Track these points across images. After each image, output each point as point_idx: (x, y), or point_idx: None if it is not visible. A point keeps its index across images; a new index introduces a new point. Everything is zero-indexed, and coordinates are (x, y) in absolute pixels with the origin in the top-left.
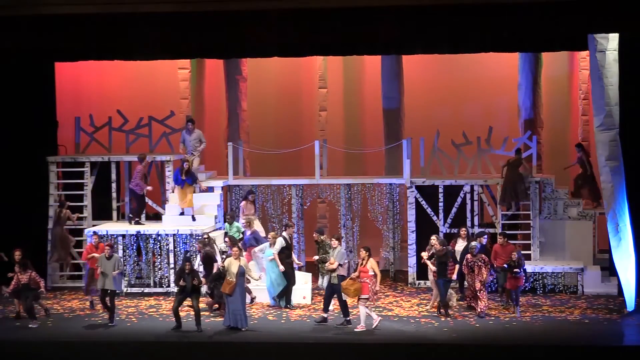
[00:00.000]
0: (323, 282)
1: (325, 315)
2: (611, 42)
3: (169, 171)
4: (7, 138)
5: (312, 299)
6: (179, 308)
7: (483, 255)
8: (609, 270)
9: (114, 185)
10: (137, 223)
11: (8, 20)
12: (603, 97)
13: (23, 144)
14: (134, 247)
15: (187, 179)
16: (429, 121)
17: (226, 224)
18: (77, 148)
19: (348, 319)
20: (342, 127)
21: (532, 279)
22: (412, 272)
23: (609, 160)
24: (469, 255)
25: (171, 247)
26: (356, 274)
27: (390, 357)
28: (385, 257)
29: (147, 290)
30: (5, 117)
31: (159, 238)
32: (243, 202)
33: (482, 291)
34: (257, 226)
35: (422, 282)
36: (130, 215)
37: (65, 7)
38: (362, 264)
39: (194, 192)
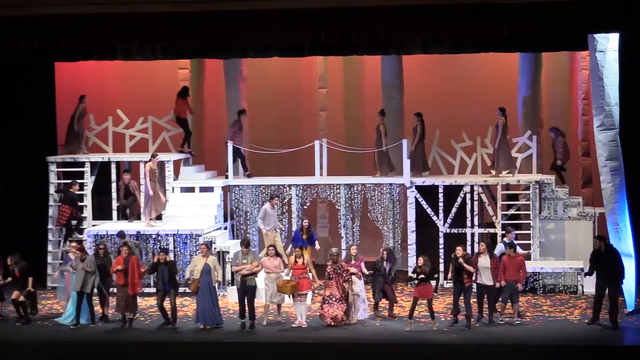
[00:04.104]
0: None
1: (244, 320)
2: (611, 42)
3: (169, 171)
4: (7, 138)
5: (312, 299)
6: (163, 303)
7: (343, 264)
8: None
9: (114, 185)
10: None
11: (8, 20)
12: (603, 97)
13: (23, 144)
14: None
15: (308, 240)
16: (429, 121)
17: None
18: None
19: (253, 322)
20: (342, 127)
21: (532, 279)
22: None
23: (609, 160)
24: (329, 263)
25: (171, 247)
26: (290, 275)
27: (390, 357)
28: None
29: (147, 290)
30: (5, 117)
31: (159, 238)
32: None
33: (340, 301)
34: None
35: None
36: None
37: (65, 7)
38: (297, 262)
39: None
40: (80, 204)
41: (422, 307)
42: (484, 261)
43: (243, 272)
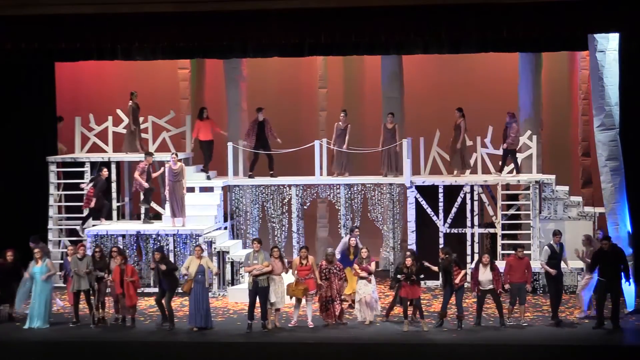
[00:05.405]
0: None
1: (252, 322)
2: (611, 42)
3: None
4: (7, 138)
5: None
6: (162, 300)
7: (338, 263)
8: None
9: (114, 185)
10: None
11: (8, 20)
12: (603, 97)
13: (23, 144)
14: (134, 247)
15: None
16: (429, 121)
17: None
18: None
19: (265, 322)
20: None
21: (532, 279)
22: None
23: (609, 160)
24: (323, 262)
25: (171, 247)
26: (295, 275)
27: (390, 357)
28: (385, 257)
29: (147, 290)
30: (6, 117)
31: (159, 238)
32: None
33: (335, 301)
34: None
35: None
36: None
37: (65, 7)
38: (302, 263)
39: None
40: (80, 204)
41: (422, 308)
42: (485, 274)
43: (254, 272)
